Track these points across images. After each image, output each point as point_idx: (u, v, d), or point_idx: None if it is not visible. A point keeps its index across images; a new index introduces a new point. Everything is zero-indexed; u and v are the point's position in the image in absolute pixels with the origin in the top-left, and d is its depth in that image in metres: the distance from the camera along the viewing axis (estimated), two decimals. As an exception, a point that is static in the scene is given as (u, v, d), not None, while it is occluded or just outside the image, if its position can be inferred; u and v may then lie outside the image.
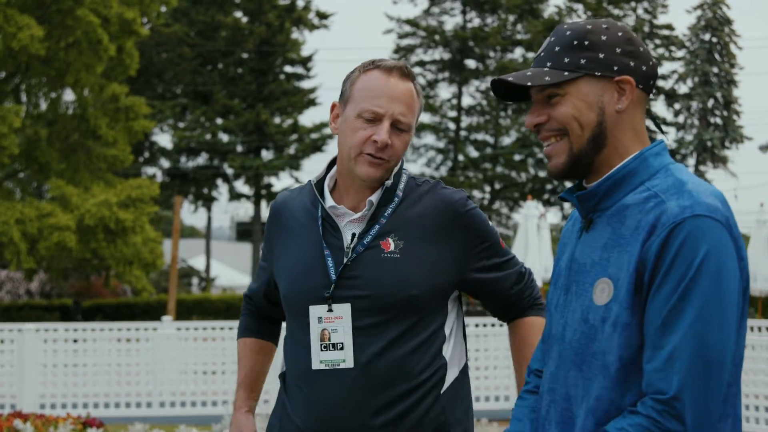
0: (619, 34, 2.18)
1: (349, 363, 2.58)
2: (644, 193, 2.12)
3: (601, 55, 2.16)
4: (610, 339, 2.07)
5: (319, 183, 2.75)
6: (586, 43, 2.17)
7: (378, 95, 2.62)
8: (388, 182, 2.68)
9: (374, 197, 2.66)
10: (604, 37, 2.17)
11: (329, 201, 2.70)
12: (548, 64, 2.19)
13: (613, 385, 2.07)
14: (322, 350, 2.61)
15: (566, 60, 2.17)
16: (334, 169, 2.76)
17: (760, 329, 14.50)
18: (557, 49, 2.19)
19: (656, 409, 1.99)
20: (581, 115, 2.16)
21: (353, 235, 2.65)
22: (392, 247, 2.62)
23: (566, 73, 2.16)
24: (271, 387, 10.40)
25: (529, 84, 2.17)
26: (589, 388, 2.10)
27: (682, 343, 1.98)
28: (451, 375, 2.67)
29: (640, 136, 2.20)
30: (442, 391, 2.63)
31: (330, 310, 2.61)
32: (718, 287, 2.00)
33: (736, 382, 2.08)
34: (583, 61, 2.16)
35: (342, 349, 2.59)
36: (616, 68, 2.16)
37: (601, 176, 2.19)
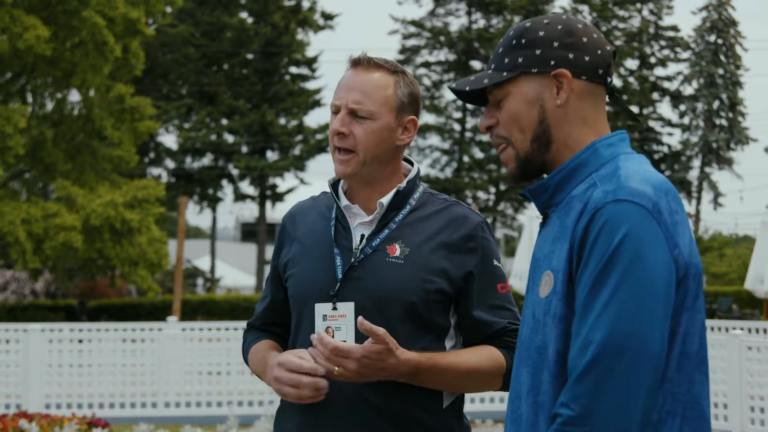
0: (559, 27, 2.15)
1: None
2: (587, 184, 2.08)
3: (538, 52, 2.13)
4: (550, 332, 2.04)
5: (335, 185, 2.78)
6: (523, 41, 2.16)
7: (339, 89, 2.68)
8: (401, 185, 2.68)
9: (385, 200, 2.67)
10: (541, 33, 2.15)
11: (344, 201, 2.72)
12: (492, 66, 2.19)
13: (552, 379, 2.03)
14: None
15: (506, 60, 2.17)
16: None
17: (765, 331, 14.48)
18: (500, 50, 2.19)
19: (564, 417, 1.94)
20: (522, 116, 2.15)
21: (362, 236, 2.67)
22: (398, 252, 2.62)
23: (504, 74, 2.16)
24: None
25: (467, 89, 2.18)
26: (537, 384, 2.07)
27: (593, 329, 1.93)
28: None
29: (593, 128, 2.15)
30: (444, 405, 2.62)
31: (334, 309, 2.61)
32: (635, 272, 1.93)
33: (684, 380, 2.00)
34: (520, 60, 2.15)
35: None
36: (552, 63, 2.13)
37: None
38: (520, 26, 2.19)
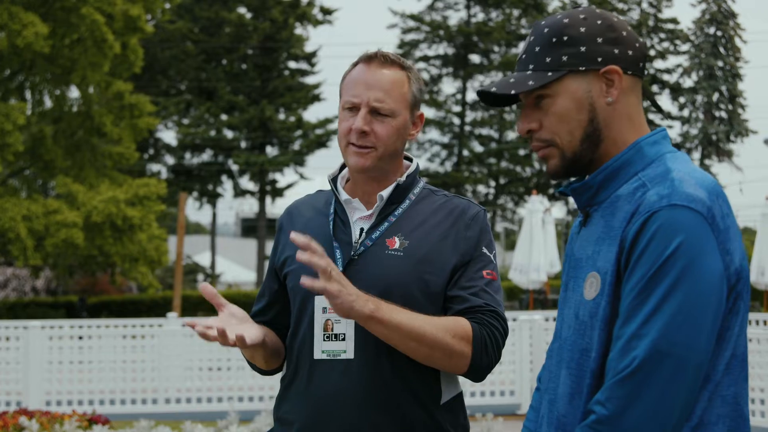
0: (599, 22, 2.09)
1: (350, 354, 2.58)
2: (635, 184, 2.03)
3: (583, 48, 2.07)
4: (597, 335, 2.01)
5: (334, 180, 2.78)
6: (565, 38, 2.08)
7: (355, 85, 2.65)
8: (401, 179, 2.69)
9: (385, 192, 2.68)
10: (583, 29, 2.08)
11: (344, 195, 2.72)
12: (531, 66, 2.10)
13: (597, 383, 2.01)
14: (324, 340, 2.62)
15: (548, 60, 2.09)
16: (347, 168, 2.79)
17: (766, 323, 14.48)
18: (537, 49, 2.10)
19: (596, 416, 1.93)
20: (571, 117, 2.08)
21: (361, 230, 2.67)
22: (397, 245, 2.62)
23: (550, 74, 2.08)
24: (275, 383, 10.42)
25: (512, 92, 2.10)
26: (580, 387, 2.04)
27: (638, 333, 1.90)
28: (453, 388, 2.66)
29: (636, 125, 2.11)
30: (442, 402, 2.62)
31: None
32: (687, 280, 1.90)
33: (732, 382, 1.98)
34: (565, 58, 2.08)
35: (344, 340, 2.60)
36: (600, 59, 2.07)
37: None
38: (556, 23, 2.11)
